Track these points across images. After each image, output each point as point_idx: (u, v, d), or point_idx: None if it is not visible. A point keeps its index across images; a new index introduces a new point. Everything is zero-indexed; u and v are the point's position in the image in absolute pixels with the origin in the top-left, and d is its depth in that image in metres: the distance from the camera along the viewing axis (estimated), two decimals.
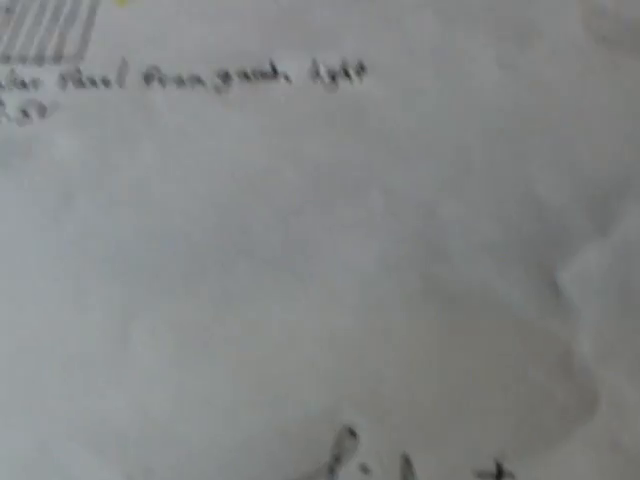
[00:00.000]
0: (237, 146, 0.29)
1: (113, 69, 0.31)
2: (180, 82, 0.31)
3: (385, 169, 0.28)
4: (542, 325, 0.24)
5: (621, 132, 0.28)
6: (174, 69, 0.31)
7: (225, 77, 0.31)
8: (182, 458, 0.22)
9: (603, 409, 0.22)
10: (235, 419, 0.23)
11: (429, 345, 0.24)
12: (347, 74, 0.31)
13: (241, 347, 0.24)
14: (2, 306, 0.25)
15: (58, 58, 0.32)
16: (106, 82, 0.31)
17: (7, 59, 0.32)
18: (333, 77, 0.31)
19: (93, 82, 0.31)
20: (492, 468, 0.21)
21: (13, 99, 0.31)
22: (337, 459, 0.22)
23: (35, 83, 0.31)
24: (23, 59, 0.32)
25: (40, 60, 0.32)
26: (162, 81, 0.31)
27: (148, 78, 0.31)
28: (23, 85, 0.31)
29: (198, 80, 0.31)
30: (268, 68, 0.31)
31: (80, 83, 0.31)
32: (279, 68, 0.31)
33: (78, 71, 0.31)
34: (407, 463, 0.22)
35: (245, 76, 0.31)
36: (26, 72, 0.32)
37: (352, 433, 0.22)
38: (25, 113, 0.30)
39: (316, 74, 0.31)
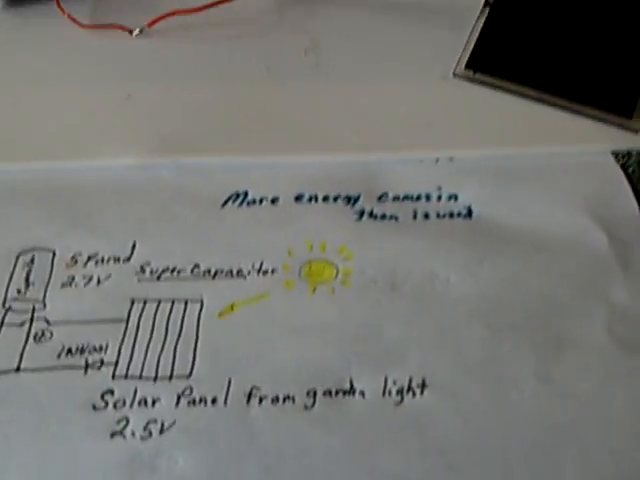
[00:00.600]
0: (326, 464, 0.38)
1: (219, 388, 0.41)
2: (275, 400, 0.41)
3: None
4: None
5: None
6: (271, 388, 0.41)
7: (313, 395, 0.41)
8: None
9: None
10: None
11: None
12: (411, 389, 0.41)
13: None
14: None
15: (171, 376, 0.42)
16: (213, 400, 0.41)
17: (126, 376, 0.43)
18: (400, 393, 0.41)
19: (202, 400, 0.41)
20: None
21: (136, 416, 0.41)
22: None
23: (154, 400, 0.41)
24: (141, 376, 0.42)
25: (156, 378, 0.42)
26: (261, 400, 0.41)
27: (249, 397, 0.41)
28: (144, 403, 0.41)
29: (290, 398, 0.41)
30: (347, 385, 0.41)
31: (191, 401, 0.41)
32: (356, 385, 0.41)
33: (189, 389, 0.42)
34: None
35: (329, 393, 0.41)
36: (146, 389, 0.42)
37: None
38: (147, 429, 0.40)
39: (387, 391, 0.41)
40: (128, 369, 0.42)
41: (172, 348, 0.43)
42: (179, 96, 0.57)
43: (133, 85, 0.57)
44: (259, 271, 0.46)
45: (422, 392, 0.40)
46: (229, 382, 0.41)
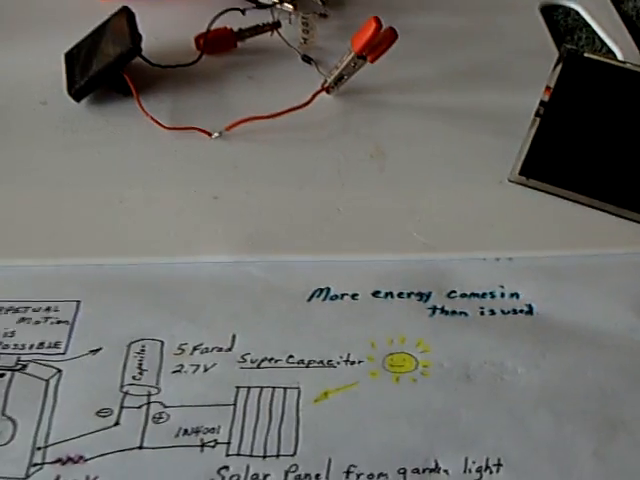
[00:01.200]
0: None
1: (321, 465, 0.52)
2: (371, 477, 0.51)
3: None
4: None
5: None
6: (366, 466, 0.52)
7: (403, 473, 0.52)
8: None
9: None
10: None
11: None
12: (489, 468, 0.52)
13: None
14: None
15: (278, 454, 0.53)
16: (317, 476, 0.51)
17: (238, 454, 0.54)
18: (479, 471, 0.52)
19: (307, 476, 0.52)
20: None
21: None
22: None
23: (265, 476, 0.52)
24: (252, 454, 0.53)
25: (265, 456, 0.53)
26: (358, 476, 0.52)
27: (347, 474, 0.52)
28: (256, 477, 0.52)
29: (383, 475, 0.52)
30: (433, 464, 0.52)
31: (298, 477, 0.52)
32: (440, 464, 0.52)
33: (295, 466, 0.53)
34: None
35: (417, 471, 0.52)
36: (257, 466, 0.53)
37: None
38: None
39: (467, 469, 0.52)
40: (240, 448, 0.53)
41: (277, 430, 0.53)
42: (259, 196, 0.68)
43: (218, 186, 0.69)
44: (347, 361, 0.57)
45: (498, 470, 0.51)
46: (329, 461, 0.52)
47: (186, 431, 0.53)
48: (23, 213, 0.68)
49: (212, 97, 0.78)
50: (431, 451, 0.52)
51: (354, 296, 0.60)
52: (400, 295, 0.60)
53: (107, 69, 0.75)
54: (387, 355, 0.56)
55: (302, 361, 0.56)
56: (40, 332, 0.60)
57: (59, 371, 0.57)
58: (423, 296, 0.60)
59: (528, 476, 0.50)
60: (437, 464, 0.51)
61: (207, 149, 0.72)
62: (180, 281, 0.62)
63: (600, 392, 0.54)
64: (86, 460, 0.52)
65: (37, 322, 0.60)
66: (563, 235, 0.64)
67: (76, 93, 0.76)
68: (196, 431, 0.53)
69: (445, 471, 0.51)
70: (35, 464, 0.52)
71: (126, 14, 0.77)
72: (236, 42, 0.82)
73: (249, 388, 0.55)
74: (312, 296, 0.60)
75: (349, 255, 0.63)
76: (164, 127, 0.73)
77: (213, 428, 0.53)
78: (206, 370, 0.56)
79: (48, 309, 0.60)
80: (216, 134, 0.72)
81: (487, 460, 0.51)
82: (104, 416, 0.54)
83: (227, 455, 0.52)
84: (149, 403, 0.55)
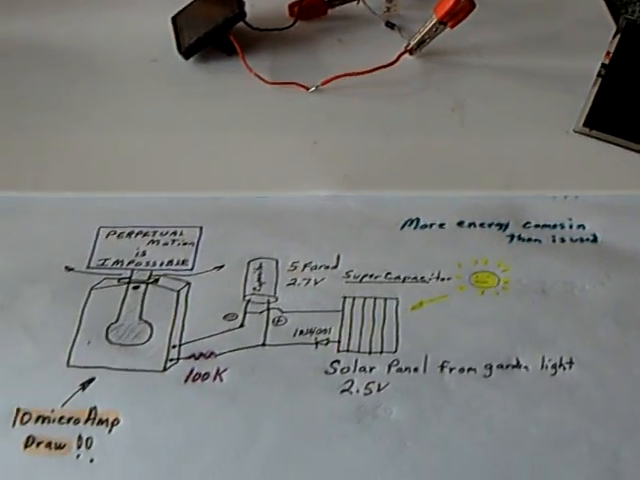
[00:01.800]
0: (501, 415, 0.56)
1: (418, 361, 0.60)
2: (462, 370, 0.60)
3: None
4: None
5: None
6: (457, 362, 0.60)
7: (489, 368, 0.60)
8: None
9: None
10: None
11: None
12: (562, 365, 0.60)
13: None
14: None
15: (381, 351, 0.61)
16: (415, 369, 0.59)
17: (347, 350, 0.62)
18: (554, 367, 0.60)
19: (407, 369, 0.60)
20: None
21: (359, 379, 0.60)
22: None
23: (371, 368, 0.60)
24: (359, 351, 0.61)
25: (370, 352, 0.61)
26: (451, 370, 0.60)
27: (442, 367, 0.60)
28: (364, 370, 0.60)
29: (472, 369, 0.60)
30: (514, 362, 0.60)
31: (399, 369, 0.60)
32: (521, 362, 0.60)
33: (397, 360, 0.61)
34: None
35: (501, 367, 0.59)
36: (364, 360, 0.61)
37: None
38: (368, 388, 0.60)
39: (544, 366, 0.60)
40: (349, 345, 0.61)
41: (379, 331, 0.61)
42: (353, 142, 0.76)
43: (316, 133, 0.77)
44: (437, 278, 0.65)
45: (570, 367, 0.59)
46: (426, 357, 0.60)
47: (302, 332, 0.61)
48: (143, 154, 0.76)
49: (306, 57, 0.85)
50: (513, 351, 0.59)
51: (441, 225, 0.68)
52: (482, 225, 0.67)
53: (215, 31, 0.83)
54: (472, 273, 0.64)
55: (398, 277, 0.64)
56: (169, 252, 0.67)
57: (188, 284, 0.65)
58: (502, 226, 0.67)
59: (595, 373, 0.58)
60: (518, 361, 0.58)
61: (305, 101, 0.80)
62: (289, 212, 0.69)
63: None
64: (216, 355, 0.60)
65: (165, 244, 0.68)
66: (621, 178, 0.72)
67: (186, 51, 0.84)
68: (310, 331, 0.61)
69: (525, 367, 0.58)
70: (171, 359, 0.60)
71: None
72: (326, 9, 0.90)
73: (354, 298, 0.63)
74: (404, 225, 0.68)
75: (435, 192, 0.71)
76: (266, 82, 0.81)
77: (325, 329, 0.61)
78: (316, 283, 0.64)
79: (174, 233, 0.68)
80: (313, 88, 0.80)
81: (561, 359, 0.58)
82: (230, 320, 0.62)
83: (338, 351, 0.60)
84: (269, 309, 0.62)
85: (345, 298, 0.63)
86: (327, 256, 0.65)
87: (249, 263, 0.65)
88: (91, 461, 0.55)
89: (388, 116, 0.78)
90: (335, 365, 0.59)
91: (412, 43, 0.82)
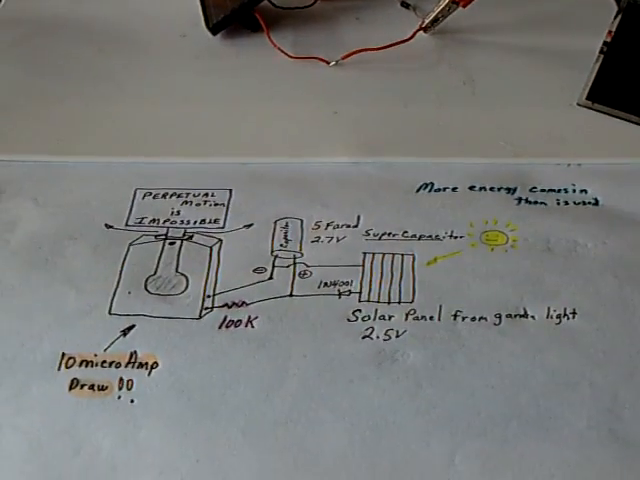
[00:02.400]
0: (510, 360, 0.60)
1: (434, 310, 0.63)
2: (474, 319, 0.63)
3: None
4: None
5: None
6: (469, 311, 0.63)
7: (499, 317, 0.64)
8: None
9: None
10: None
11: None
12: (566, 315, 0.63)
13: None
14: None
15: (399, 301, 0.65)
16: (431, 317, 0.63)
17: (368, 300, 0.65)
18: (559, 317, 0.63)
19: (423, 317, 0.63)
20: None
21: (378, 326, 0.63)
22: None
23: (390, 316, 0.64)
24: (379, 301, 0.65)
25: (389, 302, 0.65)
26: (463, 318, 0.63)
27: (455, 316, 0.64)
28: (383, 317, 0.64)
29: (483, 318, 0.64)
30: (522, 311, 0.63)
31: (416, 318, 0.64)
32: (528, 312, 0.63)
33: (413, 310, 0.64)
34: None
35: (510, 316, 0.63)
36: (383, 309, 0.64)
37: None
38: (387, 334, 0.63)
39: (549, 316, 0.63)
40: (369, 296, 0.64)
41: (397, 284, 0.65)
42: (371, 112, 0.79)
43: (336, 103, 0.80)
44: (451, 236, 0.68)
45: (573, 317, 0.62)
46: (440, 307, 0.63)
47: (326, 284, 0.64)
48: (175, 122, 0.80)
49: (326, 34, 0.89)
50: (521, 302, 0.62)
51: (454, 189, 0.71)
52: (492, 189, 0.71)
53: (241, 8, 0.86)
54: (483, 232, 0.67)
55: (415, 235, 0.67)
56: (201, 212, 0.71)
57: (220, 240, 0.68)
58: (510, 190, 0.71)
59: (596, 322, 0.61)
60: (525, 311, 0.62)
61: (326, 75, 0.83)
62: (312, 176, 0.73)
63: None
64: (247, 304, 0.63)
65: (198, 204, 0.71)
66: (620, 147, 0.75)
67: (213, 27, 0.87)
68: (334, 284, 0.64)
69: (532, 317, 0.61)
70: (206, 308, 0.64)
71: None
72: None
73: (373, 254, 0.66)
74: (419, 189, 0.71)
75: (448, 158, 0.74)
76: (289, 56, 0.84)
77: (347, 282, 0.64)
78: (338, 240, 0.67)
79: (206, 195, 0.72)
80: (333, 62, 0.83)
81: (565, 309, 0.62)
82: (260, 273, 0.65)
83: (359, 301, 0.63)
84: (295, 264, 0.66)
85: (365, 254, 0.66)
86: (348, 216, 0.69)
87: (276, 222, 0.69)
88: (131, 402, 0.58)
89: (404, 88, 0.81)
90: (357, 314, 0.62)
91: (426, 21, 0.85)
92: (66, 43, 0.87)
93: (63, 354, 0.60)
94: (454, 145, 0.74)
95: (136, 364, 0.59)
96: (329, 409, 0.57)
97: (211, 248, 0.66)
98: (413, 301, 0.63)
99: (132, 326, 0.61)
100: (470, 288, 0.63)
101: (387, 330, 0.61)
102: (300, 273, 0.64)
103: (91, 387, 0.58)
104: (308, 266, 0.65)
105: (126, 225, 0.69)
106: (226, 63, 0.85)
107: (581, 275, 0.63)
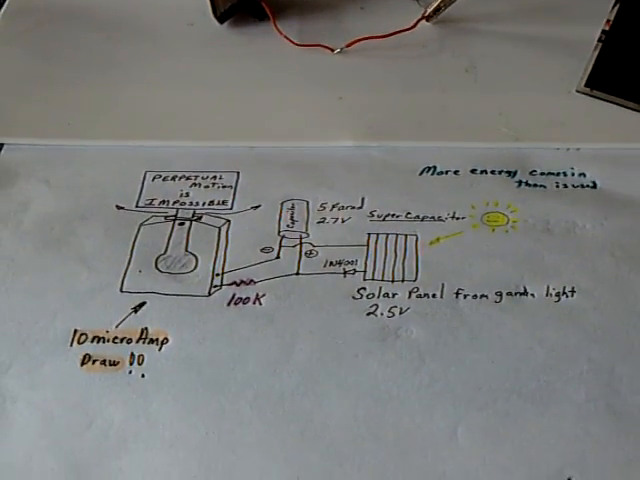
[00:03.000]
0: (510, 336, 0.60)
1: (436, 288, 0.64)
2: (475, 297, 0.64)
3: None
4: None
5: None
6: (471, 290, 0.64)
7: (499, 294, 0.64)
8: None
9: None
10: None
11: None
12: (565, 293, 0.64)
13: None
14: None
15: (403, 279, 0.66)
16: (433, 295, 0.63)
17: (372, 279, 0.66)
18: (558, 295, 0.64)
19: (426, 295, 0.64)
20: None
21: (383, 303, 0.64)
22: None
23: (393, 294, 0.64)
24: (383, 279, 0.66)
25: (393, 281, 0.65)
26: (465, 296, 0.64)
27: (457, 294, 0.64)
28: (387, 295, 0.65)
29: (484, 296, 0.64)
30: (522, 289, 0.64)
31: (419, 295, 0.65)
32: (528, 290, 0.64)
33: (417, 288, 0.65)
34: None
35: (510, 294, 0.64)
36: (387, 287, 0.65)
37: None
38: (391, 311, 0.64)
39: (549, 294, 0.64)
40: (374, 275, 0.64)
41: (401, 263, 0.65)
42: (375, 98, 0.80)
43: (341, 89, 0.81)
44: (453, 217, 0.68)
45: (572, 295, 0.63)
46: (442, 285, 0.64)
47: (331, 263, 0.65)
48: (183, 108, 0.80)
49: (331, 22, 0.89)
50: (521, 280, 0.63)
51: (456, 172, 0.72)
52: (492, 172, 0.71)
53: None
54: (484, 213, 0.68)
55: (418, 216, 0.68)
56: (210, 193, 0.71)
57: (228, 221, 0.69)
58: (511, 173, 0.71)
59: (594, 300, 0.62)
60: (525, 289, 0.63)
61: (330, 62, 0.84)
62: (317, 160, 0.73)
63: None
64: (255, 282, 0.64)
65: (206, 186, 0.72)
66: (618, 132, 0.75)
67: (221, 16, 0.87)
68: (339, 263, 0.65)
69: (532, 294, 0.62)
70: (215, 285, 0.64)
71: None
72: None
73: (378, 234, 0.67)
74: (422, 172, 0.72)
75: (451, 142, 0.74)
76: (295, 44, 0.85)
77: (352, 261, 0.65)
78: (343, 221, 0.68)
79: (214, 177, 0.72)
80: (337, 50, 0.84)
81: (564, 288, 0.63)
82: (267, 252, 0.66)
83: (364, 280, 0.64)
84: (301, 243, 0.66)
85: (369, 234, 0.67)
86: (353, 198, 0.69)
87: (282, 204, 0.69)
88: (142, 376, 0.58)
89: (407, 75, 0.81)
90: (361, 291, 0.63)
91: (429, 10, 0.85)
92: (76, 30, 0.88)
93: (75, 330, 0.61)
94: (456, 130, 0.75)
95: (147, 340, 0.60)
96: (335, 383, 0.57)
97: (219, 228, 0.67)
98: (416, 280, 0.63)
99: (143, 303, 0.62)
100: (472, 267, 0.63)
101: (391, 307, 0.62)
102: (306, 253, 0.65)
103: (103, 362, 0.59)
104: (314, 246, 0.65)
105: (136, 206, 0.70)
106: (233, 51, 0.85)
107: (580, 255, 0.64)
